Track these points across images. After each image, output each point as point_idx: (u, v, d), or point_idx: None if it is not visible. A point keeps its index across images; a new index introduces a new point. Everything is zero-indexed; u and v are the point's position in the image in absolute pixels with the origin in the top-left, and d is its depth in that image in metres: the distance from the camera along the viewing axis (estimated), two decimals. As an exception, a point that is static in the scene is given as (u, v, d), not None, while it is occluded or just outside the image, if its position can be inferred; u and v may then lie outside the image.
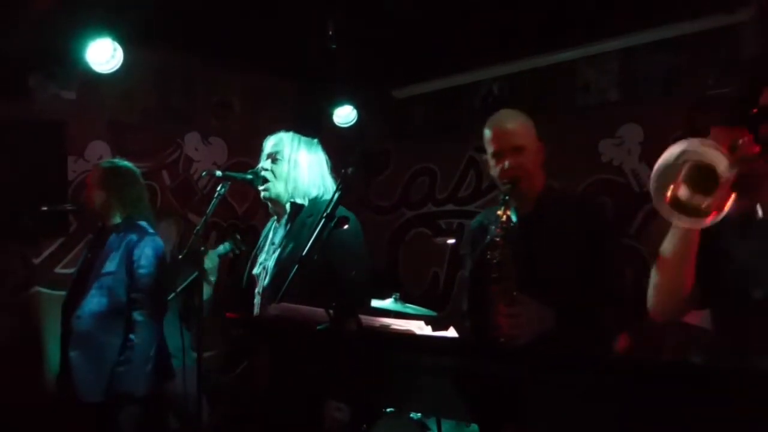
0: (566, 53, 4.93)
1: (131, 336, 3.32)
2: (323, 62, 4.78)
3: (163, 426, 3.85)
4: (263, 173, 2.92)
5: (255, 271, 2.99)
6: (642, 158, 4.68)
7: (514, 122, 2.59)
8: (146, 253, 3.40)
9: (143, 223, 3.50)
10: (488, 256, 2.40)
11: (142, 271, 3.38)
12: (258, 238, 3.16)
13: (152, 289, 3.38)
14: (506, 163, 2.50)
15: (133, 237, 3.43)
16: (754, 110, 1.67)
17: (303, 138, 3.04)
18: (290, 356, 1.75)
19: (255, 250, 3.09)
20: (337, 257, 2.67)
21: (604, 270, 2.36)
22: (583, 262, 2.35)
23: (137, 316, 3.33)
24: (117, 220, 3.51)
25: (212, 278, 3.33)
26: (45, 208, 3.63)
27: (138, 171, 3.72)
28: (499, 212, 2.41)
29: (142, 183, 3.69)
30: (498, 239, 2.39)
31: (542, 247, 2.44)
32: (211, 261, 3.29)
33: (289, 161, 2.93)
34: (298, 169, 2.94)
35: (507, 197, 2.43)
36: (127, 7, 4.01)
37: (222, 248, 3.43)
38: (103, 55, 4.11)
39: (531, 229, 2.49)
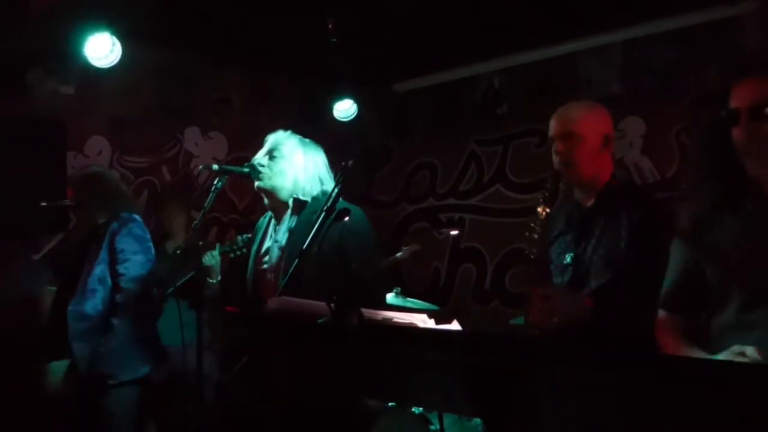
0: (567, 46, 4.91)
1: (112, 319, 3.37)
2: (323, 57, 4.76)
3: (156, 412, 3.89)
4: (260, 168, 2.91)
5: (259, 267, 2.97)
6: (644, 151, 4.66)
7: (573, 109, 2.49)
8: (126, 239, 3.47)
9: (125, 214, 3.55)
10: (525, 251, 2.37)
11: (122, 256, 3.44)
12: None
13: (134, 273, 3.43)
14: (554, 148, 2.45)
15: (115, 225, 3.51)
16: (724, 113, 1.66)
17: (302, 138, 3.06)
18: (290, 350, 1.74)
19: (252, 247, 3.08)
20: (341, 251, 2.67)
21: (649, 273, 2.13)
22: (632, 262, 2.26)
23: (118, 298, 3.39)
24: (102, 219, 3.57)
25: (216, 277, 3.33)
26: (44, 204, 3.63)
27: (102, 170, 3.88)
28: (539, 209, 2.37)
29: (112, 179, 3.81)
30: (535, 235, 2.35)
31: (597, 244, 2.38)
32: (213, 258, 3.29)
33: (284, 158, 2.93)
34: (295, 167, 2.94)
35: (546, 193, 2.38)
36: (126, 2, 4.00)
37: (227, 247, 3.43)
38: (102, 49, 4.10)
39: (588, 224, 2.43)
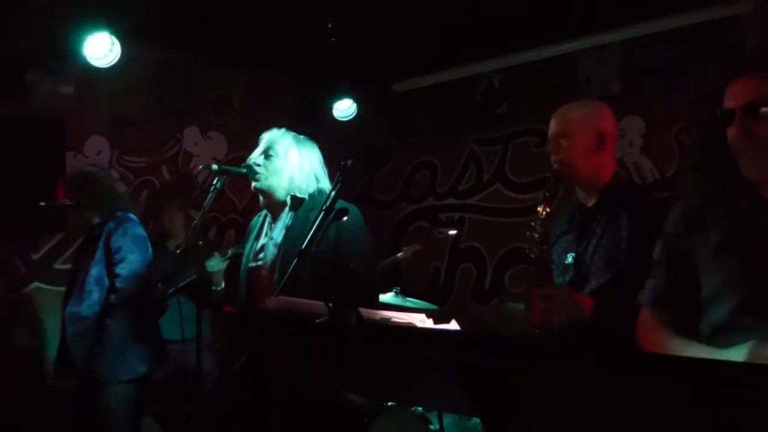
0: (567, 45, 4.90)
1: (107, 319, 3.36)
2: (323, 56, 4.76)
3: (157, 410, 3.89)
4: (256, 167, 2.92)
5: (254, 264, 2.97)
6: (644, 151, 4.66)
7: (568, 109, 2.49)
8: (123, 239, 3.45)
9: (120, 213, 3.54)
10: (526, 250, 2.38)
11: (118, 256, 3.42)
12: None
13: (131, 273, 3.41)
14: (549, 149, 2.47)
15: (111, 225, 3.49)
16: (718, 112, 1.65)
17: (296, 135, 3.06)
18: (289, 350, 1.74)
19: (246, 245, 3.08)
20: (338, 250, 2.67)
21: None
22: (632, 262, 2.23)
23: (112, 299, 3.38)
24: (97, 219, 3.55)
25: (220, 283, 3.31)
26: (43, 204, 3.63)
27: (97, 170, 3.88)
28: (539, 208, 2.38)
29: (107, 178, 3.84)
30: (536, 235, 2.36)
31: (598, 244, 2.37)
32: (218, 264, 3.28)
33: (280, 157, 2.94)
34: (290, 165, 2.95)
35: (548, 193, 2.38)
36: (126, 2, 3.99)
37: (237, 250, 3.41)
38: (101, 49, 4.09)
39: (590, 223, 2.42)
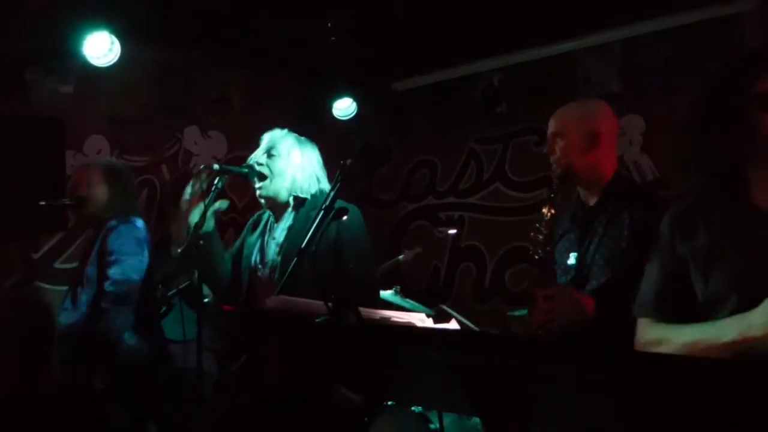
0: (567, 44, 4.90)
1: (99, 325, 3.28)
2: (323, 56, 4.76)
3: (156, 411, 3.89)
4: (259, 168, 2.92)
5: (254, 264, 2.98)
6: (644, 149, 4.66)
7: (564, 108, 2.53)
8: (119, 240, 3.38)
9: (123, 214, 3.49)
10: (530, 251, 2.38)
11: (111, 258, 3.35)
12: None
13: (123, 276, 3.33)
14: (546, 148, 2.50)
15: (112, 223, 3.42)
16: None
17: (297, 136, 3.07)
18: (289, 349, 1.74)
19: (245, 242, 3.08)
20: (338, 250, 2.68)
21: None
22: (633, 261, 2.16)
23: (103, 303, 3.29)
24: (109, 215, 3.49)
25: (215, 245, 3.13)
26: (43, 203, 3.61)
27: (126, 166, 3.94)
28: (544, 209, 2.38)
29: (132, 177, 3.86)
30: (540, 237, 2.35)
31: (600, 243, 2.37)
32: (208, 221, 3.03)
33: (282, 157, 2.94)
34: (293, 166, 2.96)
35: (552, 194, 2.38)
36: (125, 1, 3.99)
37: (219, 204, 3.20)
38: (101, 48, 4.09)
39: (592, 222, 2.43)
